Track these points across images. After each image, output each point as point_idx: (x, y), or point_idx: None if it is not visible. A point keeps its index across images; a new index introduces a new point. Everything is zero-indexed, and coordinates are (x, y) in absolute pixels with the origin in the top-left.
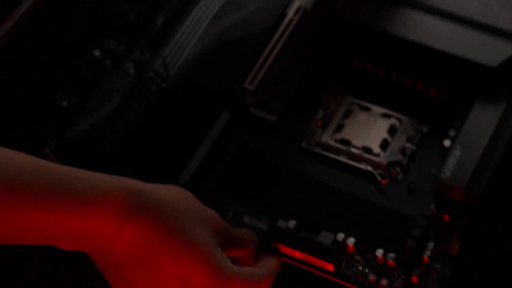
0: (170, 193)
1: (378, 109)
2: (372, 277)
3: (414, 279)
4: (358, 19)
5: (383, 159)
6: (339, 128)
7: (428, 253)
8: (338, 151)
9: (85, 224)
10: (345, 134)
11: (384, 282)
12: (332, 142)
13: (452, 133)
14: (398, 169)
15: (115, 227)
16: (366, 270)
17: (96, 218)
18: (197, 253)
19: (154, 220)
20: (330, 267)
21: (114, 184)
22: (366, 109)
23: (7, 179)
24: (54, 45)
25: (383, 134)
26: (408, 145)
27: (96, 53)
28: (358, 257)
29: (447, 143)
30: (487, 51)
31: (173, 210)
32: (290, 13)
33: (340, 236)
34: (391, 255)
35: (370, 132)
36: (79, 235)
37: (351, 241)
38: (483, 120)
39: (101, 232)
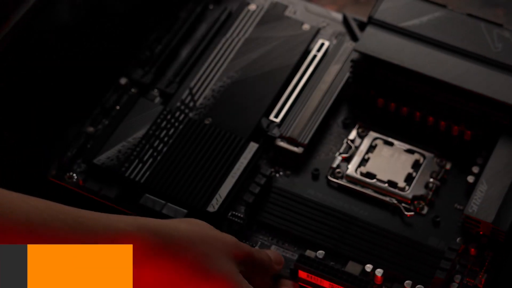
0: (187, 227)
1: (402, 145)
2: None
3: None
4: (381, 55)
5: (408, 193)
6: (364, 162)
7: (455, 285)
8: (363, 184)
9: None
10: (370, 168)
11: None
12: (357, 175)
13: (475, 169)
14: (422, 203)
15: (134, 266)
16: None
17: None
18: (219, 283)
19: (173, 256)
20: None
21: (131, 224)
22: (390, 144)
23: (28, 221)
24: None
25: (407, 169)
26: (432, 180)
27: (122, 81)
28: None
29: (471, 179)
30: (510, 90)
31: (191, 245)
32: (314, 49)
33: (368, 266)
34: (419, 286)
35: (395, 166)
36: None
37: (379, 271)
38: (508, 156)
39: None
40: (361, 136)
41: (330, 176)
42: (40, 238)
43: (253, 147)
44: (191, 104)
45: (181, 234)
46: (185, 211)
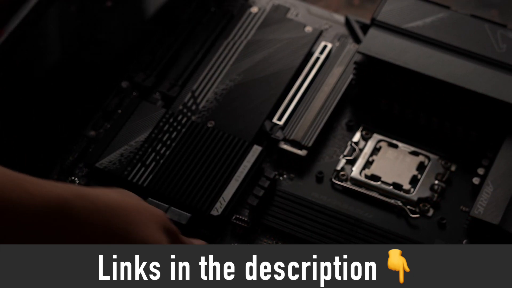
0: (119, 196)
1: (406, 147)
2: None
3: None
4: (385, 56)
5: (413, 195)
6: (368, 164)
7: None
8: (368, 187)
9: None
10: (374, 170)
11: None
12: (362, 178)
13: (481, 171)
14: (428, 205)
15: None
16: None
17: None
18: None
19: (105, 221)
20: None
21: (66, 189)
22: (395, 146)
23: None
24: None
25: (412, 171)
26: (437, 182)
27: (124, 84)
28: None
29: (476, 180)
30: None
31: (120, 210)
32: (317, 52)
33: None
34: None
35: (400, 168)
36: None
37: None
38: None
39: None
40: (365, 138)
41: (335, 179)
42: None
43: (256, 150)
44: (194, 107)
45: (112, 201)
46: (188, 214)
